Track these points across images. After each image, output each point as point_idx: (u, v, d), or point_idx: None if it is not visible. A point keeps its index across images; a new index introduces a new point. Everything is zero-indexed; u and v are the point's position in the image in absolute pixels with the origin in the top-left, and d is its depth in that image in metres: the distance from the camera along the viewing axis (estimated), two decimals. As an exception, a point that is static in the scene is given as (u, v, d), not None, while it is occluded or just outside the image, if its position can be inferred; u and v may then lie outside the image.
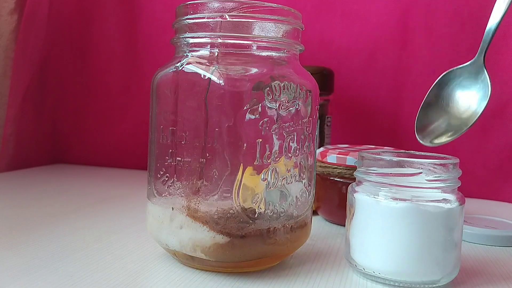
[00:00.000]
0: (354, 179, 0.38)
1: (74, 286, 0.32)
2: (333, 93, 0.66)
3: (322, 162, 0.52)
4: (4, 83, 0.75)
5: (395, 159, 0.35)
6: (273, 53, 0.36)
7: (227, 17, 0.34)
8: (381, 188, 0.34)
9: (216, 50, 0.35)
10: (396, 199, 0.33)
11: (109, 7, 0.84)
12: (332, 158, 0.51)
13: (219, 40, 0.34)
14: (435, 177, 0.34)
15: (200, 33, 0.35)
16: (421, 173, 0.34)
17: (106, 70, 0.85)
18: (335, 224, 0.52)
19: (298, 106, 0.36)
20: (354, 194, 0.36)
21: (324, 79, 0.63)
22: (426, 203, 0.33)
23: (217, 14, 0.34)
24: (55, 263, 0.36)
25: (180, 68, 0.35)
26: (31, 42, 0.77)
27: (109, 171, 0.83)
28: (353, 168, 0.48)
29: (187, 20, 0.35)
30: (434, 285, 0.34)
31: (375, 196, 0.34)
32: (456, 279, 0.35)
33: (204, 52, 0.35)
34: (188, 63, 0.35)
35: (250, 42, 0.35)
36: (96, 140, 0.87)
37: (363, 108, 0.74)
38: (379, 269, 0.34)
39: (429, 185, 0.34)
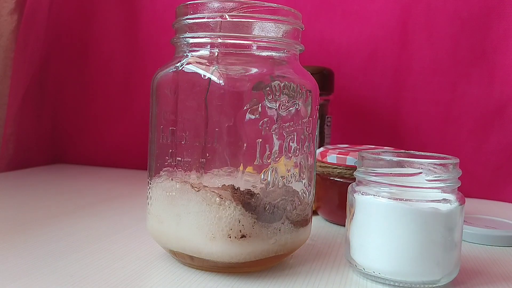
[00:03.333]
0: (354, 179, 0.38)
1: (74, 286, 0.32)
2: (333, 93, 0.66)
3: (322, 162, 0.52)
4: (4, 83, 0.75)
5: (395, 159, 0.35)
6: (273, 53, 0.36)
7: (227, 17, 0.34)
8: (381, 188, 0.34)
9: (216, 50, 0.35)
10: (396, 199, 0.33)
11: (109, 7, 0.84)
12: (332, 158, 0.51)
13: (219, 40, 0.34)
14: (435, 177, 0.34)
15: (200, 33, 0.35)
16: (421, 173, 0.34)
17: (106, 70, 0.85)
18: (335, 224, 0.51)
19: (298, 106, 0.36)
20: (354, 194, 0.36)
21: (324, 79, 0.63)
22: (426, 203, 0.33)
23: (217, 14, 0.34)
24: (55, 263, 0.36)
25: (180, 68, 0.35)
26: (31, 42, 0.77)
27: (109, 171, 0.83)
28: (353, 168, 0.48)
29: (187, 20, 0.35)
30: (434, 285, 0.34)
31: (375, 196, 0.34)
32: (456, 279, 0.35)
33: (204, 52, 0.35)
34: (188, 63, 0.35)
35: (250, 42, 0.35)
36: (96, 140, 0.87)
37: (363, 108, 0.74)
38: (379, 269, 0.34)
39: (429, 185, 0.34)
